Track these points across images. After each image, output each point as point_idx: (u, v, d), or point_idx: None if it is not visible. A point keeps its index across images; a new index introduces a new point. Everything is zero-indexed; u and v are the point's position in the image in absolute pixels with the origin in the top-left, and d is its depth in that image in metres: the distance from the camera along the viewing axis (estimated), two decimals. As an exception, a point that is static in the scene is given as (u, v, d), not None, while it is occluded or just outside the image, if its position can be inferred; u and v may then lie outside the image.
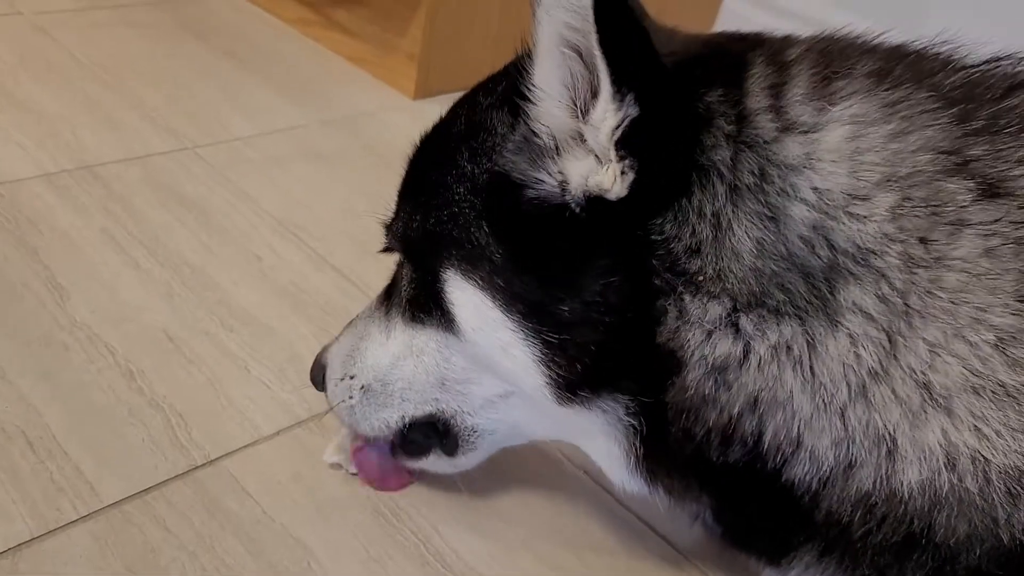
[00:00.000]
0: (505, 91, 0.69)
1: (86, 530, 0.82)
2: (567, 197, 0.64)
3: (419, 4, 1.71)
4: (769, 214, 0.60)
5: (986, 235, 0.57)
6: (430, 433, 0.83)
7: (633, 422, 0.68)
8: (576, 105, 0.63)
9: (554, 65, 0.62)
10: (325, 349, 0.89)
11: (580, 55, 0.60)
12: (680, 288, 0.62)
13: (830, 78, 0.62)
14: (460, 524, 0.90)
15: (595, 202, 0.63)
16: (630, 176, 0.61)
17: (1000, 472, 0.56)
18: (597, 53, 0.58)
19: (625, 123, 0.59)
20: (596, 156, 0.62)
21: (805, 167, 0.60)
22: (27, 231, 1.17)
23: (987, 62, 0.63)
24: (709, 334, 0.62)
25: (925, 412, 0.58)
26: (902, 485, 0.59)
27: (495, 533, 0.90)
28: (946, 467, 0.58)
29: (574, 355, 0.66)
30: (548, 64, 0.62)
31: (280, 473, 0.91)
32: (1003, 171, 0.58)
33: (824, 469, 0.62)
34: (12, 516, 0.81)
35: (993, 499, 0.57)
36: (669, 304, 0.62)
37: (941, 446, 0.58)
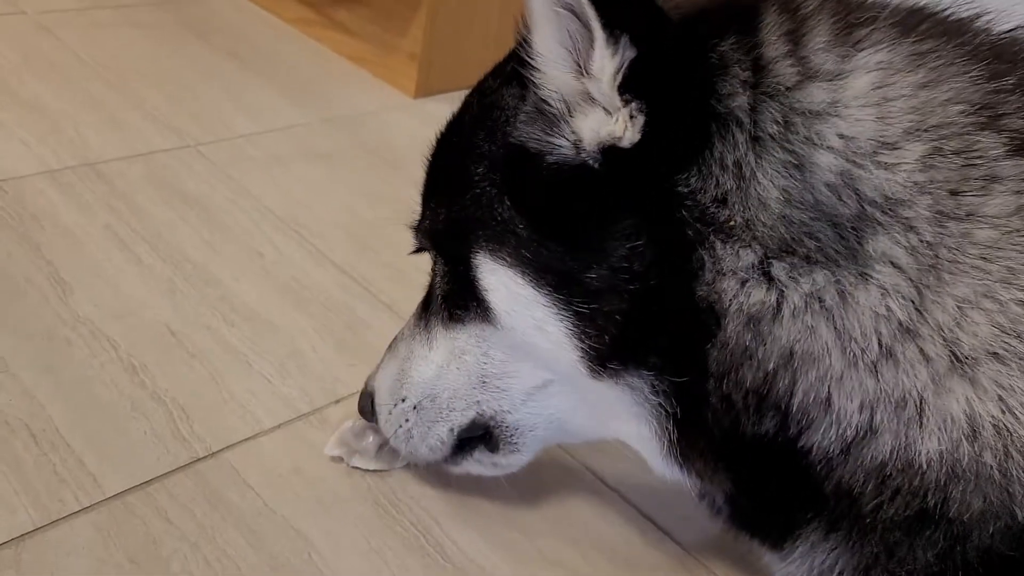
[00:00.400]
0: (511, 67, 0.69)
1: (89, 521, 0.82)
2: (583, 155, 0.64)
3: (419, 4, 1.72)
4: (794, 162, 0.59)
5: (1018, 192, 0.56)
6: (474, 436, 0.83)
7: (663, 402, 0.67)
8: (579, 65, 0.63)
9: (551, 28, 0.62)
10: (370, 378, 0.88)
11: (574, 12, 0.61)
12: (712, 237, 0.61)
13: (853, 25, 0.62)
14: (460, 516, 0.91)
15: (611, 154, 0.63)
16: (640, 119, 0.61)
17: (1022, 446, 0.56)
18: (584, 1, 0.58)
19: (624, 66, 0.59)
20: (605, 108, 0.62)
21: (830, 114, 0.59)
22: (31, 227, 1.18)
23: (1014, 29, 0.63)
24: (743, 283, 0.61)
25: (952, 376, 0.57)
26: (920, 455, 0.58)
27: (494, 525, 0.91)
28: (967, 438, 0.57)
29: (604, 324, 0.65)
30: (545, 28, 0.62)
31: (281, 466, 0.92)
32: None
33: (847, 435, 0.60)
34: (15, 507, 0.82)
35: (1012, 474, 0.56)
36: (705, 254, 0.61)
37: (965, 414, 0.57)
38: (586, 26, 0.60)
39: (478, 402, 0.79)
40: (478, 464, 0.85)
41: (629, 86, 0.60)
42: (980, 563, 0.58)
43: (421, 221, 0.79)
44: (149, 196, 1.30)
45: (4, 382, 0.95)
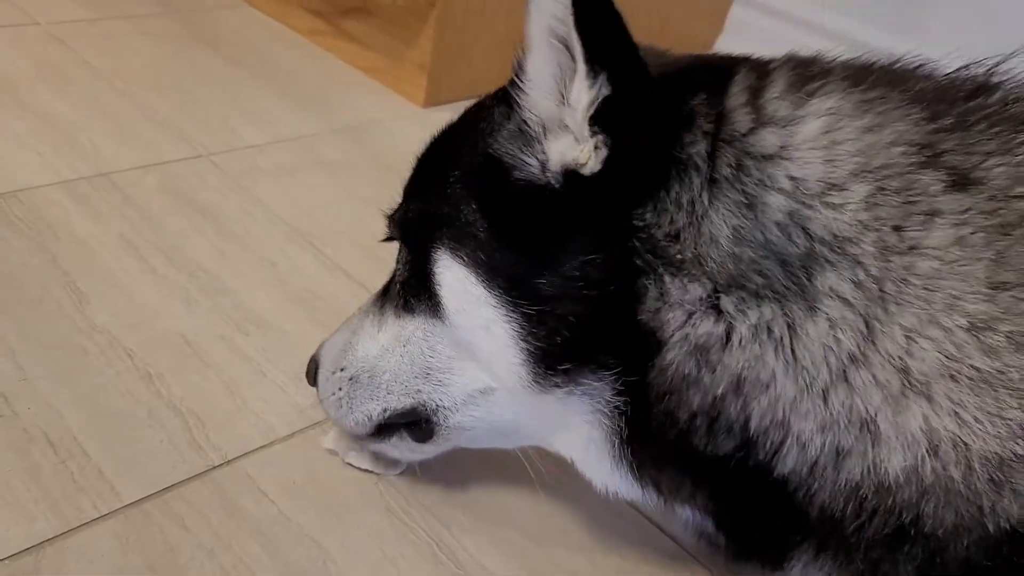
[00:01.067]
0: (504, 88, 0.73)
1: (107, 528, 0.83)
2: (548, 175, 0.68)
3: (428, 15, 1.73)
4: (746, 202, 0.63)
5: (957, 224, 0.59)
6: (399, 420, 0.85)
7: (616, 402, 0.70)
8: (562, 96, 0.67)
9: (544, 57, 0.66)
10: (321, 345, 0.91)
11: (567, 47, 0.64)
12: (660, 269, 0.65)
13: (807, 78, 0.66)
14: (472, 524, 0.92)
15: (572, 178, 0.67)
16: (603, 152, 0.65)
17: (981, 459, 0.58)
18: (573, 33, 0.62)
19: (598, 101, 0.63)
20: (575, 136, 0.66)
21: (781, 157, 0.63)
22: (47, 237, 1.19)
23: (957, 70, 0.67)
24: (690, 315, 0.64)
25: (905, 397, 0.60)
26: (888, 474, 0.61)
27: (506, 533, 0.92)
28: (928, 453, 0.59)
29: (554, 327, 0.68)
30: (538, 56, 0.67)
31: (295, 474, 0.93)
32: (973, 163, 0.60)
33: (812, 456, 0.63)
34: (34, 515, 0.83)
35: (976, 487, 0.58)
36: (650, 283, 0.65)
37: (923, 431, 0.59)
38: (573, 59, 0.64)
39: (419, 391, 0.81)
40: (394, 448, 0.89)
41: (599, 120, 0.64)
42: (960, 574, 0.60)
43: (395, 211, 0.83)
44: (163, 206, 1.32)
45: (22, 390, 0.96)
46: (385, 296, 0.85)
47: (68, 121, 1.48)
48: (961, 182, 0.60)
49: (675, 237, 0.64)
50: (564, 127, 0.67)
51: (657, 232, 0.65)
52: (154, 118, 1.55)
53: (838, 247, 0.61)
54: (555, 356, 0.69)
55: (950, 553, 0.60)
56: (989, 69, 0.66)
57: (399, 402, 0.83)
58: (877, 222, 0.60)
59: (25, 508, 0.84)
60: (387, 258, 1.30)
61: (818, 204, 0.61)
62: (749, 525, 0.72)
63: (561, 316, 0.68)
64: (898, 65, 0.68)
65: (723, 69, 0.69)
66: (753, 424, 0.64)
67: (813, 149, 0.62)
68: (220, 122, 1.59)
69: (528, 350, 0.70)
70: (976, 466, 0.58)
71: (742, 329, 0.63)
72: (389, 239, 0.85)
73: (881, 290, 0.60)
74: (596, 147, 0.65)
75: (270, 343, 1.10)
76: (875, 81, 0.65)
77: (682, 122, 0.66)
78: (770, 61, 0.70)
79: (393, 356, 0.81)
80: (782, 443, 0.64)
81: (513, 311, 0.69)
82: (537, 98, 0.68)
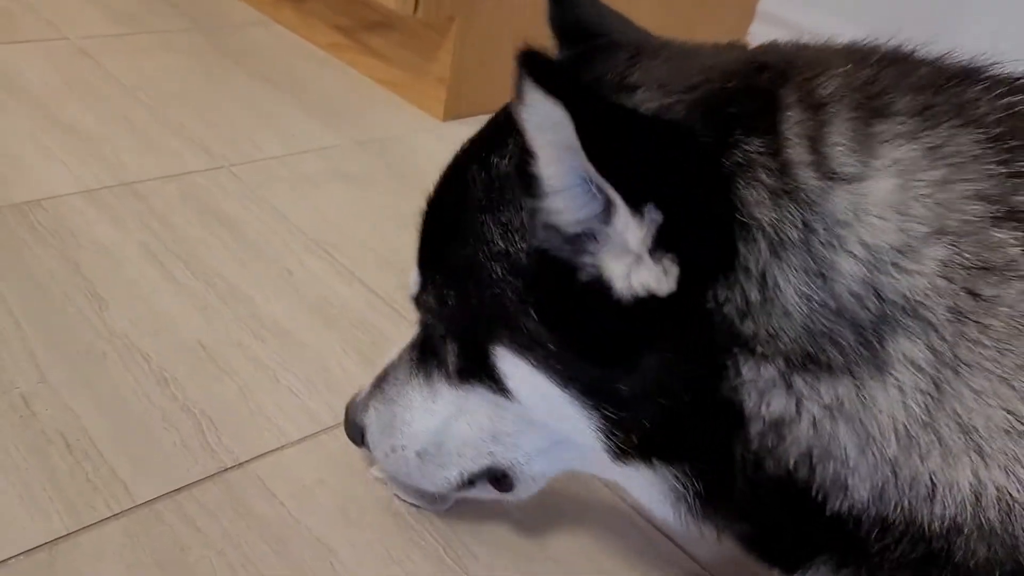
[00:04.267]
0: (517, 164, 0.64)
1: (119, 527, 0.85)
2: (613, 294, 0.62)
3: (448, 30, 1.76)
4: (816, 269, 0.58)
5: None
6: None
7: (686, 488, 0.68)
8: (596, 195, 0.60)
9: (553, 160, 0.59)
10: (356, 409, 0.87)
11: (591, 178, 0.59)
12: (734, 348, 0.61)
13: (869, 117, 0.60)
14: (480, 529, 0.92)
15: (648, 300, 0.61)
16: (675, 271, 0.59)
17: (1022, 506, 0.57)
18: (596, 177, 0.56)
19: (653, 231, 0.58)
20: (635, 257, 0.60)
21: (852, 221, 0.58)
22: (69, 245, 1.22)
23: (1014, 84, 0.62)
24: (762, 393, 0.61)
25: (964, 455, 0.58)
26: (923, 515, 0.60)
27: (513, 539, 0.92)
28: (970, 503, 0.58)
29: (635, 426, 0.66)
30: (546, 158, 0.59)
31: (306, 477, 0.94)
32: None
33: (858, 506, 0.62)
34: (49, 513, 0.85)
35: (1013, 529, 0.57)
36: (729, 362, 0.61)
37: (971, 484, 0.58)
38: (601, 190, 0.59)
39: (491, 453, 0.80)
40: (482, 493, 0.87)
41: (661, 245, 0.58)
42: None
43: (423, 293, 0.77)
44: (183, 215, 1.34)
45: (42, 393, 0.98)
46: (426, 363, 0.80)
47: (93, 133, 1.52)
48: None
49: (746, 313, 0.60)
50: (611, 239, 0.61)
51: (729, 309, 0.60)
52: (177, 130, 1.58)
53: (911, 311, 0.57)
54: (637, 449, 0.67)
55: None
56: None
57: (474, 464, 0.81)
58: (952, 285, 0.57)
59: (41, 506, 0.85)
60: (405, 267, 1.31)
61: (891, 269, 0.58)
62: (775, 537, 0.71)
63: (643, 418, 0.65)
64: (968, 75, 0.62)
65: (767, 95, 0.62)
66: (815, 485, 0.63)
67: (884, 214, 0.58)
68: (242, 134, 1.61)
69: (609, 445, 0.68)
70: (1017, 513, 0.57)
71: (813, 409, 0.60)
72: (423, 322, 0.80)
73: (954, 354, 0.57)
74: (666, 271, 0.59)
75: (285, 350, 1.12)
76: (944, 115, 0.60)
77: (739, 169, 0.59)
78: (816, 77, 0.62)
79: (458, 424, 0.79)
80: (833, 496, 0.63)
81: (593, 410, 0.67)
82: (559, 203, 0.61)
